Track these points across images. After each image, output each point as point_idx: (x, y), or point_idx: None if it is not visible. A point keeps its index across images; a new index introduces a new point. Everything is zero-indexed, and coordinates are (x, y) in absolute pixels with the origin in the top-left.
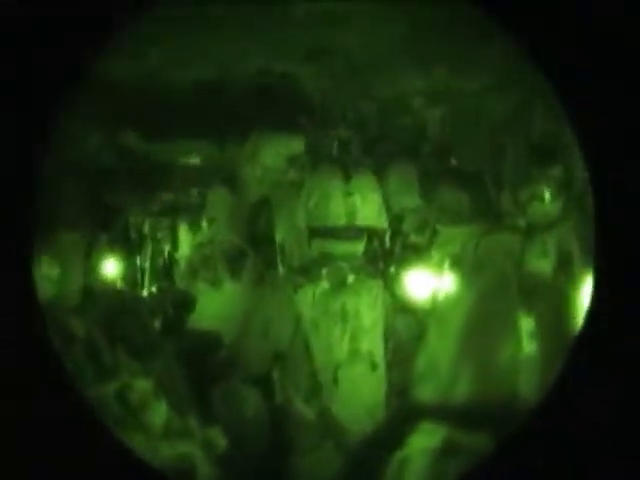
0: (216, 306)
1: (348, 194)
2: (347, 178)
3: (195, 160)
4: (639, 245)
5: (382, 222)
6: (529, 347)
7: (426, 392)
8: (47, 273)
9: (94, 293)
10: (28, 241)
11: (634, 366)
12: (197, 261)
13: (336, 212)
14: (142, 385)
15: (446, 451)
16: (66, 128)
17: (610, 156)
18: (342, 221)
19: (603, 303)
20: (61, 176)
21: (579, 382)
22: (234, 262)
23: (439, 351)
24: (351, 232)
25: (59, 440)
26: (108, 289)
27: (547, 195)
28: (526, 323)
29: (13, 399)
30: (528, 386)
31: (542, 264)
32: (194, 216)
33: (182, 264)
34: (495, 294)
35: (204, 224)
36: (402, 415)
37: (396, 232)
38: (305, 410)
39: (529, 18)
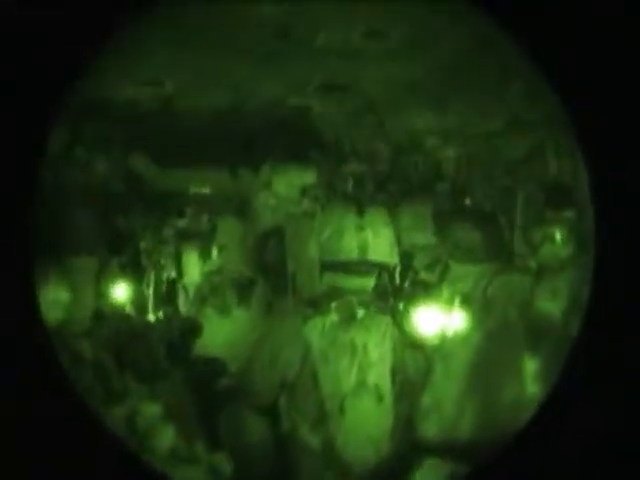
0: (224, 333)
1: (361, 229)
2: (360, 213)
3: (206, 188)
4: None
5: (394, 258)
6: (533, 388)
7: (431, 429)
8: (56, 298)
9: (104, 317)
10: (31, 265)
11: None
12: (206, 289)
13: (348, 246)
14: (150, 410)
15: None
16: (75, 152)
17: (610, 158)
18: (354, 255)
19: (603, 306)
20: (69, 201)
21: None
22: (243, 290)
23: (444, 389)
24: (363, 267)
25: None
26: (117, 314)
27: (559, 237)
28: (531, 365)
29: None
30: (523, 420)
31: (551, 306)
32: (204, 243)
33: (190, 291)
34: (502, 335)
35: (214, 252)
36: (407, 450)
37: (406, 268)
38: (311, 439)
39: (530, 18)
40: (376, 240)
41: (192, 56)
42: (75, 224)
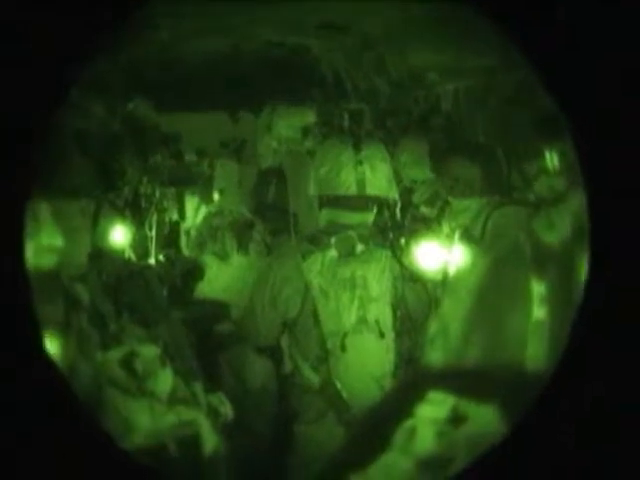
0: (224, 277)
1: (359, 163)
2: (358, 148)
3: (206, 131)
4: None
5: (392, 192)
6: (539, 313)
7: (435, 356)
8: (50, 242)
9: (101, 260)
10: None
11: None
12: (205, 232)
13: (346, 181)
14: (148, 352)
15: (454, 421)
16: (71, 96)
17: (606, 152)
18: (352, 190)
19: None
20: (65, 144)
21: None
22: (242, 234)
23: (450, 316)
24: (361, 201)
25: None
26: (116, 257)
27: (554, 168)
28: (538, 288)
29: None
30: (536, 353)
31: (553, 236)
32: (202, 186)
33: (191, 234)
34: (508, 261)
35: (213, 195)
36: (410, 383)
37: (406, 204)
38: (313, 378)
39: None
40: (374, 174)
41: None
42: (71, 166)
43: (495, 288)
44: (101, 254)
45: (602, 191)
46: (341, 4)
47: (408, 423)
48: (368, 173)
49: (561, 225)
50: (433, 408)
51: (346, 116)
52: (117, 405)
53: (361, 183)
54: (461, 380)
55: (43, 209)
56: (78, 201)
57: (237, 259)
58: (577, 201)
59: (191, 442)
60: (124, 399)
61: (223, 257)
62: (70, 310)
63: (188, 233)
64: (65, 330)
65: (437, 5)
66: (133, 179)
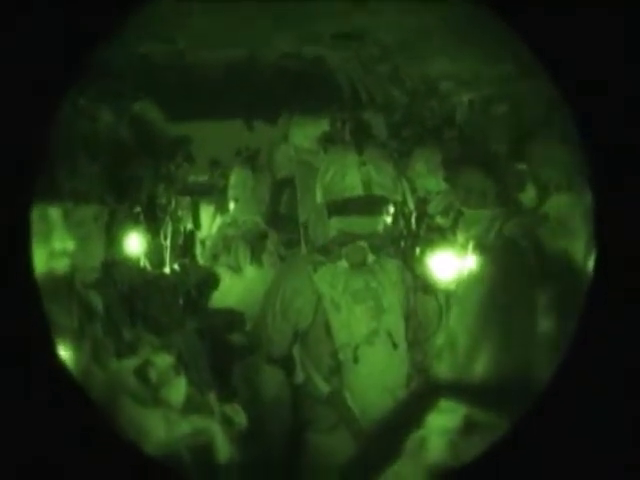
0: (237, 288)
1: (362, 164)
2: (360, 150)
3: (220, 139)
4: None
5: (398, 192)
6: (544, 323)
7: (444, 369)
8: (62, 246)
9: (115, 269)
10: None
11: None
12: (219, 243)
13: (352, 183)
14: (162, 361)
15: (465, 430)
16: (80, 102)
17: (618, 162)
18: (358, 191)
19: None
20: (73, 147)
21: None
22: (255, 245)
23: (458, 329)
24: (368, 203)
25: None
26: (130, 265)
27: (565, 184)
28: (542, 300)
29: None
30: (542, 363)
31: (561, 245)
32: (217, 196)
33: (205, 244)
34: (515, 272)
35: (227, 204)
36: (421, 394)
37: (422, 214)
38: (325, 388)
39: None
40: (379, 174)
41: (205, 11)
42: (82, 173)
43: (502, 300)
44: (115, 262)
45: (611, 204)
46: (356, 14)
47: (419, 433)
48: (373, 173)
49: (572, 234)
50: (445, 417)
51: (351, 124)
52: (131, 413)
53: (367, 183)
54: (470, 390)
55: (53, 212)
56: (89, 207)
57: (250, 271)
58: (584, 211)
59: (205, 451)
60: (138, 407)
61: (236, 269)
62: (84, 318)
63: (203, 243)
64: (79, 338)
65: (452, 11)
66: (147, 187)
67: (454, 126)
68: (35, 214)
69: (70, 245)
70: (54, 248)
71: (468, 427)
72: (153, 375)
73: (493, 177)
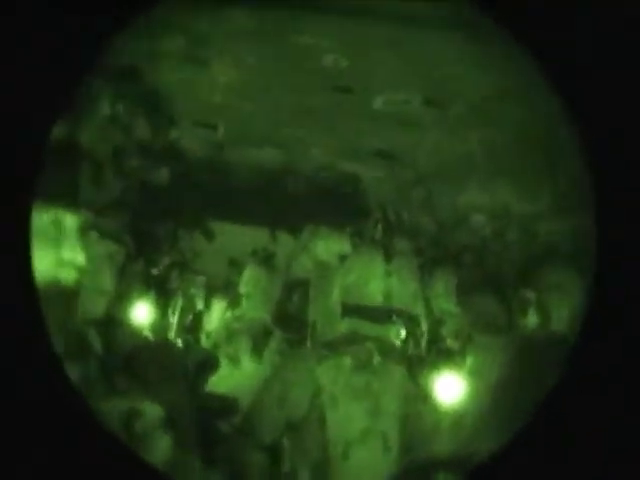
0: (235, 377)
1: (387, 275)
2: (388, 259)
3: (242, 242)
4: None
5: (416, 307)
6: None
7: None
8: (71, 258)
9: (118, 329)
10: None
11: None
12: (222, 332)
13: (374, 292)
14: (151, 411)
15: None
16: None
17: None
18: (378, 301)
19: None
20: (99, 159)
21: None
22: (258, 340)
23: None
24: (385, 313)
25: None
26: (133, 331)
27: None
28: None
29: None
30: None
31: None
32: (230, 290)
33: (210, 330)
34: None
35: (239, 300)
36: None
37: (434, 336)
38: None
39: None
40: (402, 288)
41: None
42: (107, 187)
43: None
44: (119, 324)
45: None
46: (396, 134)
47: None
48: (396, 285)
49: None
50: None
51: (379, 228)
52: None
53: (387, 295)
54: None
55: (69, 220)
56: (106, 242)
57: (248, 364)
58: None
59: None
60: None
61: (235, 361)
62: (82, 349)
63: (209, 328)
64: (81, 360)
65: (495, 135)
66: (168, 254)
67: (474, 252)
68: (47, 216)
69: (80, 259)
70: (63, 257)
71: None
72: (139, 427)
73: (502, 302)
